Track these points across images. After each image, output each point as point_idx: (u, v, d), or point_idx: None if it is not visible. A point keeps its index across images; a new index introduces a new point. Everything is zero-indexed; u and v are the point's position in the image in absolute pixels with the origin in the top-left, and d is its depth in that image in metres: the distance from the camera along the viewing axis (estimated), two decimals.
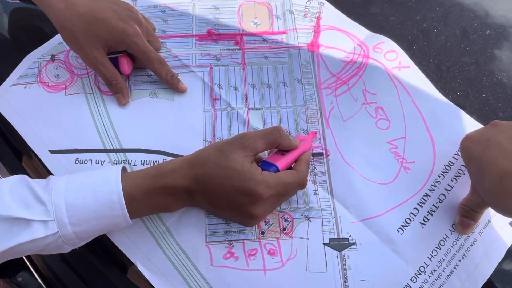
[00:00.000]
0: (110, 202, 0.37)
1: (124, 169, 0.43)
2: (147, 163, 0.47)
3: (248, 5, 0.57)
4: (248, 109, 0.50)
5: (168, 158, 0.47)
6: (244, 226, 0.43)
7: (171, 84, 0.50)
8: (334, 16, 0.56)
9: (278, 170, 0.40)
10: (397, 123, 0.48)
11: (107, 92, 0.50)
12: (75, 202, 0.36)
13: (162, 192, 0.39)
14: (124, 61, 0.49)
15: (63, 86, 0.51)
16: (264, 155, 0.46)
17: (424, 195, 0.45)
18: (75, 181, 0.38)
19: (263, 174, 0.38)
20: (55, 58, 0.53)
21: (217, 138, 0.48)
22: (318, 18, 0.56)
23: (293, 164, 0.43)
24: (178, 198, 0.40)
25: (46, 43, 0.54)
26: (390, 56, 0.52)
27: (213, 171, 0.38)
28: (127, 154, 0.47)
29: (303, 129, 0.49)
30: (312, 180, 0.46)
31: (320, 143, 0.48)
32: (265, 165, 0.41)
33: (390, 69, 0.51)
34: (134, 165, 0.47)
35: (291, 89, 0.51)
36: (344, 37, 0.54)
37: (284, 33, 0.55)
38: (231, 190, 0.37)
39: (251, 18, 0.56)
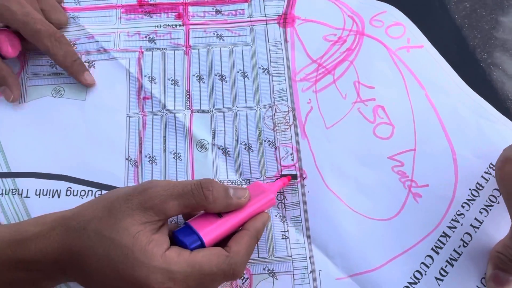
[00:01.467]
0: None
1: None
2: (45, 193, 0.34)
3: None
4: (192, 112, 0.36)
5: (75, 186, 0.34)
6: None
7: (72, 72, 0.36)
8: None
9: (202, 245, 0.27)
10: (403, 129, 0.36)
11: None
12: None
13: (22, 268, 0.26)
14: (4, 39, 0.34)
15: None
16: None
17: (441, 236, 0.33)
18: None
19: (166, 256, 0.25)
20: None
21: (146, 156, 0.35)
22: None
23: (240, 228, 0.29)
24: (48, 276, 0.27)
25: None
26: (395, 32, 0.39)
27: (92, 245, 0.25)
28: (18, 180, 0.34)
29: (269, 140, 0.35)
30: (280, 217, 0.33)
31: (292, 160, 0.34)
32: (182, 233, 0.27)
33: (394, 50, 0.38)
34: (27, 196, 0.34)
35: (254, 83, 0.37)
36: (329, 6, 0.40)
37: (246, 1, 0.40)
38: (114, 278, 0.25)
39: None
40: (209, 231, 0.27)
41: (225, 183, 0.34)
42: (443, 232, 0.33)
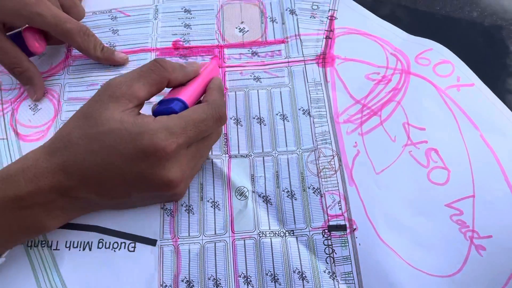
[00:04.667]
0: None
1: None
2: (76, 245, 0.32)
3: (232, 6, 0.40)
4: (230, 157, 0.34)
5: (107, 238, 0.32)
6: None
7: (104, 60, 0.37)
8: (355, 14, 0.40)
9: (185, 107, 0.29)
10: (460, 173, 0.33)
11: (27, 136, 0.35)
12: None
13: (17, 207, 0.26)
14: (30, 37, 0.34)
15: None
16: None
17: None
18: None
19: (157, 119, 0.27)
20: None
21: (182, 205, 0.33)
22: (332, 19, 0.39)
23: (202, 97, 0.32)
24: (51, 207, 0.27)
25: None
26: (443, 70, 0.36)
27: (84, 149, 0.26)
28: None
29: (313, 187, 0.33)
30: (329, 273, 0.29)
31: (340, 210, 0.31)
32: (163, 106, 0.29)
33: (444, 89, 0.36)
34: (56, 248, 0.32)
35: (294, 125, 0.35)
36: (371, 44, 0.38)
37: (283, 42, 0.38)
38: (121, 162, 0.26)
39: (235, 23, 0.39)
40: (185, 93, 0.29)
41: (267, 233, 0.31)
42: None
